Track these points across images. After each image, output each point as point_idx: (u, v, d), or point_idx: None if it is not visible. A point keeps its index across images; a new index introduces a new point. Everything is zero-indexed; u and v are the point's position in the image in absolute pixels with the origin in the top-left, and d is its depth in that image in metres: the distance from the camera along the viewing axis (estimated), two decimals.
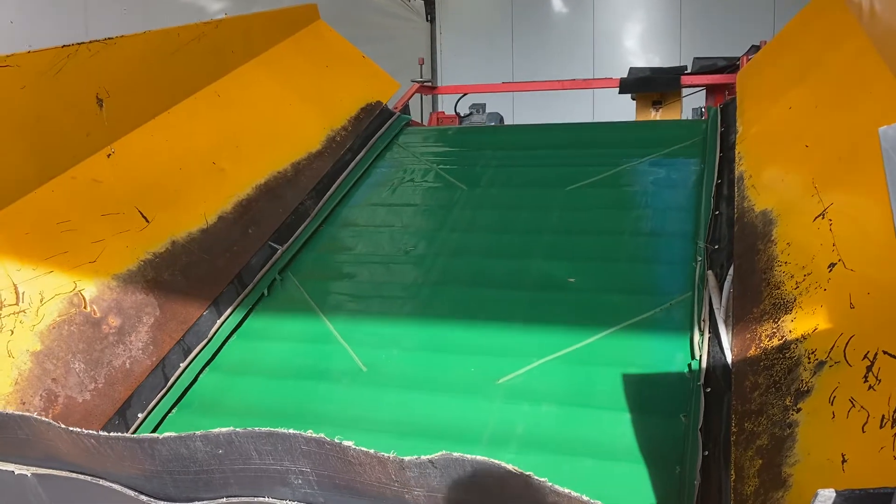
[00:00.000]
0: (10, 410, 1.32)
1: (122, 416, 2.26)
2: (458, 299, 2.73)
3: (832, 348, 1.64)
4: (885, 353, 1.46)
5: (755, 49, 4.77)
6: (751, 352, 1.96)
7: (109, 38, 2.67)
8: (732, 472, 1.72)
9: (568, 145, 3.75)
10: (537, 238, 2.97)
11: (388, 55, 6.55)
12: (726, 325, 2.20)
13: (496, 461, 0.97)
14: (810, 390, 1.63)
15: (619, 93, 5.46)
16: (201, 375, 2.54)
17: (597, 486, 1.92)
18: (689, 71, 5.46)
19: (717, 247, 2.64)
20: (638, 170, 3.33)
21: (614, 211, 3.09)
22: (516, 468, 0.96)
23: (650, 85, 5.42)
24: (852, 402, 1.46)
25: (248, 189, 3.10)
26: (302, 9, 4.14)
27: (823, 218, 2.00)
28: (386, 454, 1.02)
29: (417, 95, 5.72)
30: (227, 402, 2.46)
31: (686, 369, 2.19)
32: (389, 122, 4.07)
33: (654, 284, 2.64)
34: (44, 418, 1.22)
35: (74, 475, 1.26)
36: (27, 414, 1.23)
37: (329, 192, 3.44)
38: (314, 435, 1.05)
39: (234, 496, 1.17)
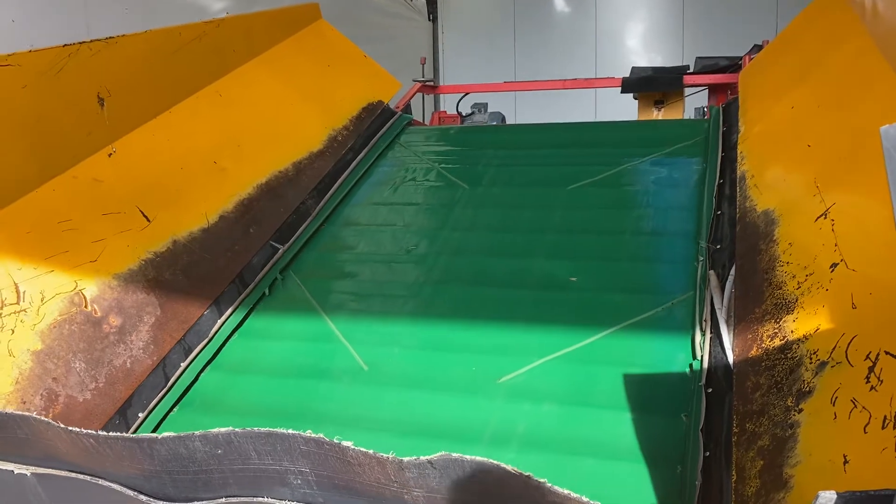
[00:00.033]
0: (10, 410, 1.32)
1: (122, 416, 2.26)
2: (460, 298, 2.73)
3: (834, 349, 1.64)
4: (887, 353, 1.45)
5: (757, 48, 4.77)
6: (752, 352, 1.96)
7: (111, 38, 2.67)
8: (734, 472, 1.71)
9: (570, 144, 3.75)
10: (539, 237, 2.97)
11: (390, 54, 6.55)
12: (728, 326, 2.19)
13: (495, 462, 0.96)
14: (812, 391, 1.63)
15: (622, 92, 5.45)
16: (202, 374, 2.54)
17: (597, 485, 1.91)
18: (691, 70, 5.45)
19: (718, 246, 2.63)
20: (640, 169, 3.32)
21: (616, 210, 3.09)
22: (516, 469, 0.95)
23: (652, 84, 5.41)
24: (854, 403, 1.45)
25: (249, 188, 3.10)
26: (303, 8, 4.14)
27: (825, 218, 2.00)
28: (385, 454, 1.02)
29: (419, 95, 5.71)
30: (228, 400, 2.46)
31: (687, 369, 2.19)
32: (391, 121, 4.06)
33: (655, 284, 2.64)
34: (43, 418, 1.21)
35: (74, 475, 1.26)
36: (26, 413, 1.23)
37: (330, 192, 3.44)
38: (313, 435, 1.05)
39: (234, 496, 1.17)
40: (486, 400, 2.24)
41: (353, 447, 1.03)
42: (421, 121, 5.48)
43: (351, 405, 2.33)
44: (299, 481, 1.11)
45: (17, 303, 2.11)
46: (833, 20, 2.78)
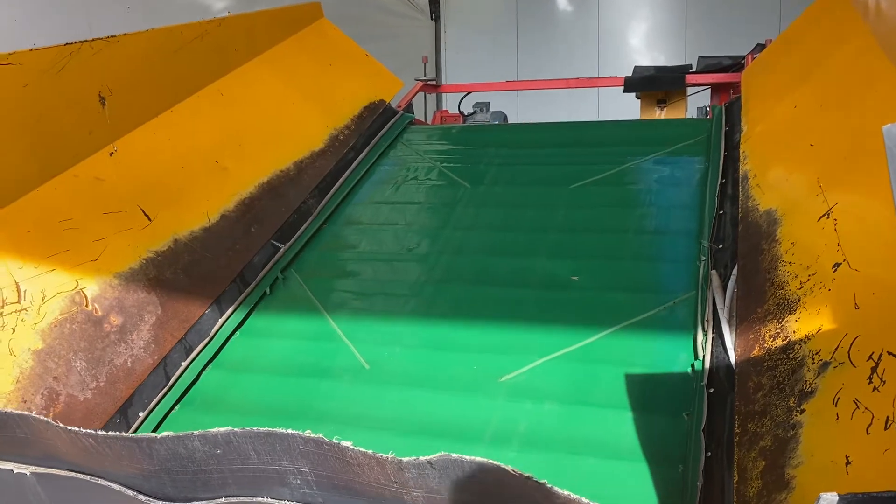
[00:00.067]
0: (9, 409, 1.32)
1: (123, 415, 2.26)
2: (461, 297, 2.72)
3: (836, 349, 1.63)
4: (889, 353, 1.45)
5: (760, 48, 4.76)
6: (754, 352, 1.95)
7: (112, 37, 2.67)
8: (735, 473, 1.70)
9: (572, 143, 3.74)
10: (541, 236, 2.97)
11: (392, 53, 6.55)
12: (730, 326, 2.19)
13: (495, 462, 0.96)
14: (814, 391, 1.62)
15: (624, 91, 5.45)
16: (203, 373, 2.54)
17: (599, 484, 1.91)
18: (693, 70, 5.45)
19: (721, 246, 2.62)
20: (642, 168, 3.31)
21: (618, 209, 3.08)
22: (515, 469, 0.95)
23: (655, 83, 5.41)
24: (856, 404, 1.45)
25: (250, 187, 3.09)
26: (305, 7, 4.13)
27: (828, 217, 1.99)
28: (384, 455, 1.01)
29: (421, 94, 5.71)
30: (229, 399, 2.46)
31: (689, 369, 2.18)
32: (393, 120, 4.06)
33: (657, 283, 2.63)
34: (42, 417, 1.21)
35: (73, 474, 1.26)
36: (26, 413, 1.23)
37: (332, 191, 3.44)
38: (312, 435, 1.05)
39: (233, 496, 1.16)
40: (488, 399, 2.23)
41: (352, 447, 1.03)
42: (423, 120, 5.48)
43: (352, 404, 2.33)
44: (299, 481, 1.11)
45: (18, 302, 2.11)
46: (835, 19, 2.77)
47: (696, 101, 5.91)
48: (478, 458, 0.97)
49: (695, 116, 5.72)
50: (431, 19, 10.92)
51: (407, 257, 3.01)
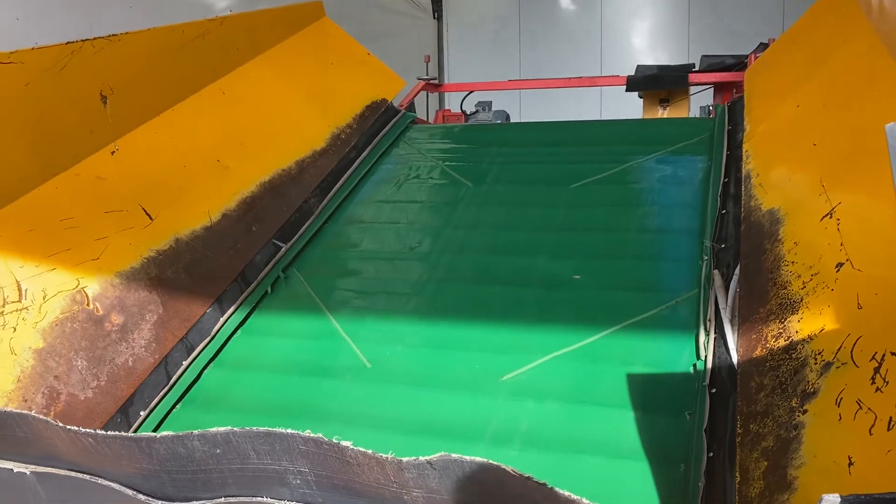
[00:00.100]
0: (9, 408, 1.31)
1: (124, 414, 2.26)
2: (463, 296, 2.72)
3: (839, 349, 1.62)
4: (893, 354, 1.44)
5: (763, 47, 4.75)
6: (757, 352, 1.95)
7: (114, 35, 2.67)
8: (737, 474, 1.70)
9: (574, 142, 3.73)
10: (542, 235, 2.96)
11: (394, 52, 6.54)
12: (732, 325, 2.18)
13: (495, 462, 0.95)
14: (817, 392, 1.61)
15: (627, 90, 5.44)
16: (205, 372, 2.54)
17: (600, 483, 1.91)
18: (696, 69, 5.43)
19: (723, 246, 2.62)
20: (644, 167, 3.31)
21: (620, 208, 3.07)
22: (515, 470, 0.95)
23: (657, 83, 5.39)
24: (859, 404, 1.44)
25: (252, 187, 3.09)
26: (307, 6, 4.13)
27: (831, 217, 1.98)
28: (384, 455, 1.01)
29: (423, 93, 5.71)
30: (230, 398, 2.46)
31: (691, 369, 2.17)
32: (395, 119, 4.06)
33: (659, 282, 2.63)
34: (42, 416, 1.21)
35: (73, 474, 1.26)
36: (25, 412, 1.23)
37: (334, 190, 3.44)
38: (312, 435, 1.04)
39: (233, 496, 1.16)
40: (489, 398, 2.23)
41: (351, 447, 1.02)
42: (425, 119, 5.48)
43: (354, 402, 2.33)
44: (298, 481, 1.11)
45: (19, 300, 2.11)
46: (839, 18, 2.76)
47: (699, 101, 5.90)
48: (478, 459, 0.96)
49: (698, 116, 5.71)
50: (434, 18, 10.91)
51: (409, 256, 3.01)
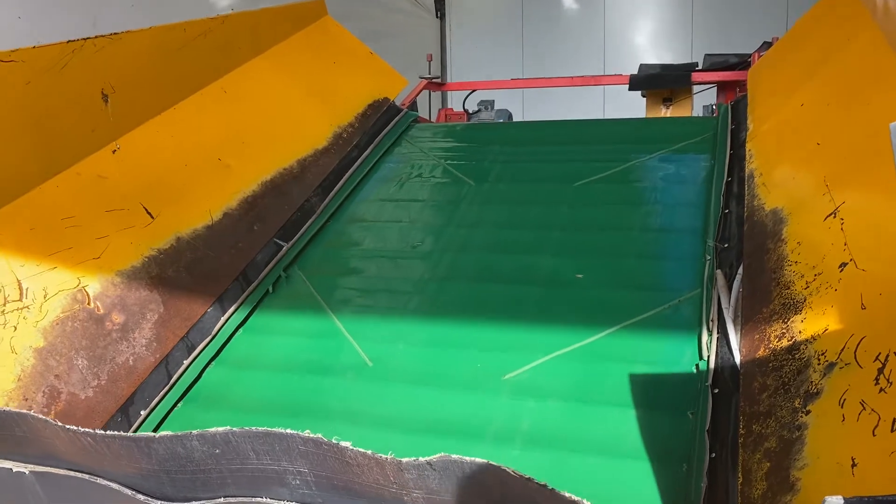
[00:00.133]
0: (9, 408, 1.31)
1: (124, 413, 2.26)
2: (465, 295, 2.72)
3: (843, 350, 1.61)
4: None
5: (767, 45, 4.73)
6: (759, 352, 1.94)
7: (115, 34, 2.67)
8: (740, 474, 1.69)
9: (577, 141, 3.73)
10: (545, 234, 2.95)
11: (397, 51, 6.52)
12: (735, 325, 2.17)
13: (495, 463, 0.95)
14: (820, 392, 1.60)
15: (630, 90, 5.43)
16: (206, 371, 2.54)
17: (601, 483, 1.90)
18: (700, 68, 5.42)
19: (726, 245, 2.61)
20: (647, 166, 3.30)
21: (623, 207, 3.07)
22: (515, 470, 0.94)
23: (661, 82, 5.38)
24: (863, 405, 1.43)
25: (253, 185, 3.09)
26: (309, 4, 4.13)
27: (835, 217, 1.97)
28: (384, 455, 1.00)
29: (426, 92, 5.70)
30: (232, 396, 2.45)
31: (693, 369, 2.17)
32: (397, 118, 4.05)
33: (662, 281, 2.62)
34: (41, 416, 1.21)
35: (72, 473, 1.25)
36: (24, 411, 1.22)
37: (335, 189, 3.43)
38: (311, 435, 1.04)
39: (232, 496, 1.16)
40: (491, 397, 2.23)
41: (351, 447, 1.02)
42: (427, 118, 5.47)
43: (355, 401, 2.32)
44: (298, 481, 1.10)
45: (20, 299, 2.10)
46: (843, 16, 2.75)
47: (703, 100, 5.88)
48: (478, 459, 0.96)
49: (701, 115, 5.69)
50: (437, 17, 10.89)
51: (411, 255, 3.00)
